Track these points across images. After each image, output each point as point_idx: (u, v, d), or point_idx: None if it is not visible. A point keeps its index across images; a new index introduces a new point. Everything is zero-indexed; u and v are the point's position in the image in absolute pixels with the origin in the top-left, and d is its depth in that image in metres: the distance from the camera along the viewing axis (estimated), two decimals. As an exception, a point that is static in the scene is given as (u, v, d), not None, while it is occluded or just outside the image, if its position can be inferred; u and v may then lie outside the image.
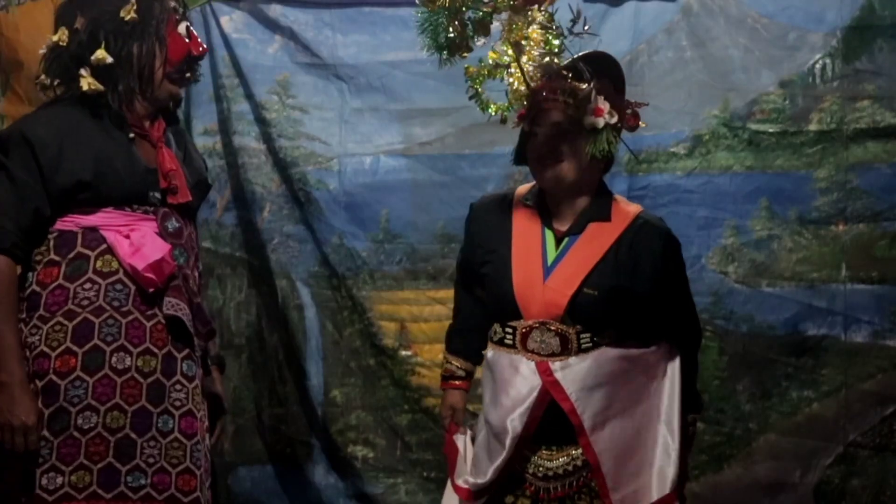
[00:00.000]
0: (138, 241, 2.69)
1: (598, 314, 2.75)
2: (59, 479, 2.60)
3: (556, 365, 2.75)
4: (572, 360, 2.75)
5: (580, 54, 2.84)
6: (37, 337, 2.66)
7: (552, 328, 2.75)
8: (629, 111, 2.84)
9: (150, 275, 2.66)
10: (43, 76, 2.78)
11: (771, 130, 4.14)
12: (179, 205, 2.78)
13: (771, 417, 4.12)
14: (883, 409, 4.09)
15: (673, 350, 2.89)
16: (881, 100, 4.10)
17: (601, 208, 2.82)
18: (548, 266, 2.77)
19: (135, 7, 2.72)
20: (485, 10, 2.88)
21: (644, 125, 2.89)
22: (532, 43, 2.89)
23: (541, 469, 2.80)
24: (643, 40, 4.18)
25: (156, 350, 2.69)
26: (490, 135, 4.04)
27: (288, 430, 4.25)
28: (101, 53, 2.69)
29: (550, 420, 2.76)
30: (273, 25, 4.21)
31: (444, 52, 2.91)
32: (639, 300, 2.78)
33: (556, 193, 2.82)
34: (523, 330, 2.78)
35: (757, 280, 4.12)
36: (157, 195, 2.76)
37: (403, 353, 4.16)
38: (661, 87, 4.16)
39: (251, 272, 4.26)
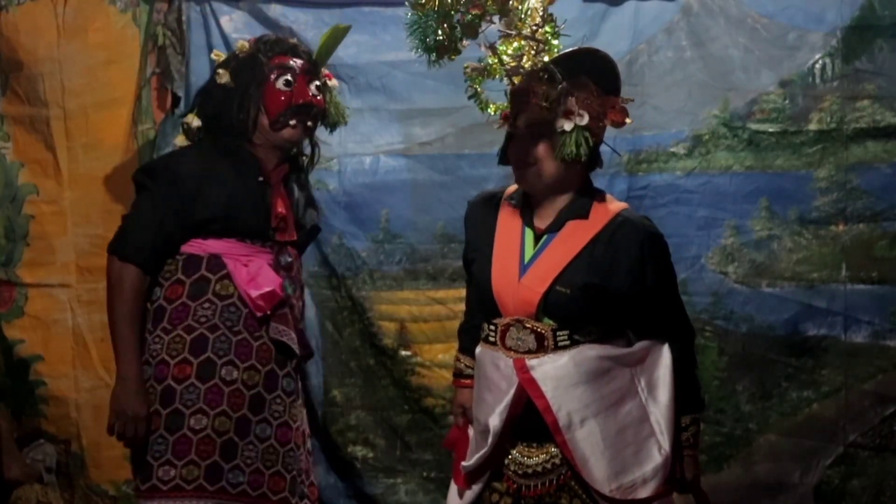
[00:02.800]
0: (255, 271, 3.09)
1: (571, 312, 2.76)
2: (172, 472, 3.01)
3: (532, 362, 2.76)
4: (548, 357, 2.76)
5: (564, 52, 2.84)
6: (159, 345, 3.09)
7: (528, 325, 2.77)
8: (613, 108, 2.82)
9: (261, 302, 3.07)
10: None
11: (771, 130, 4.14)
12: (290, 242, 3.19)
13: (771, 418, 4.12)
14: (883, 409, 4.09)
15: (662, 348, 2.88)
16: (881, 99, 4.09)
17: (580, 207, 2.82)
18: (524, 264, 2.79)
19: (227, 74, 3.21)
20: (473, 12, 2.89)
21: (630, 121, 2.88)
22: (531, 43, 2.90)
23: (521, 466, 2.82)
24: (643, 40, 4.17)
25: (260, 367, 3.10)
26: (490, 135, 3.99)
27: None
28: (190, 117, 3.25)
29: (529, 417, 2.77)
30: (273, 26, 4.20)
31: (432, 54, 2.93)
32: (615, 298, 2.77)
33: (533, 194, 2.84)
34: (502, 327, 2.81)
35: (757, 280, 4.12)
36: (274, 232, 3.17)
37: (403, 353, 4.15)
38: (660, 86, 4.16)
39: (251, 272, 4.25)
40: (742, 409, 4.13)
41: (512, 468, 2.83)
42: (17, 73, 4.12)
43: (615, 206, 2.88)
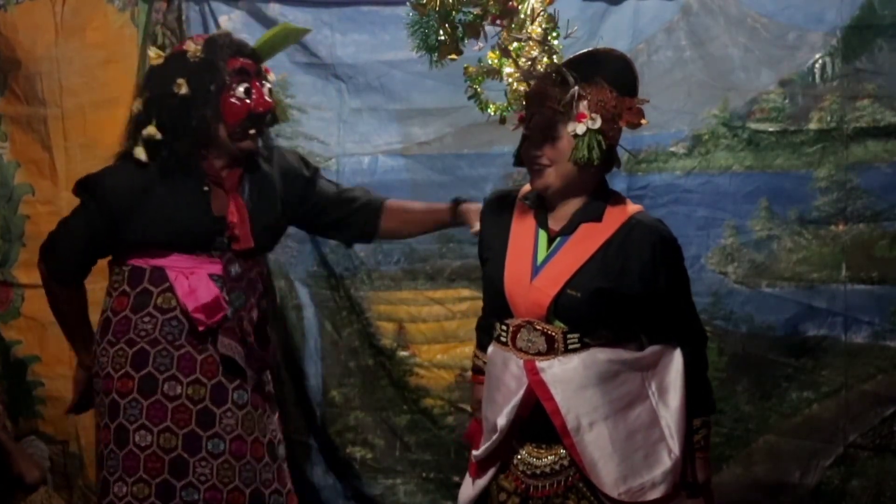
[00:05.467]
0: (195, 283, 3.03)
1: (581, 315, 2.74)
2: (125, 489, 3.00)
3: (542, 364, 2.75)
4: (558, 360, 2.75)
5: (581, 53, 2.83)
6: (105, 358, 3.09)
7: (538, 327, 2.76)
8: (630, 109, 2.81)
9: (199, 315, 3.01)
10: (128, 142, 3.17)
11: (771, 130, 4.13)
12: (241, 251, 3.10)
13: (770, 418, 4.11)
14: (883, 409, 4.09)
15: (674, 352, 2.87)
16: (881, 99, 4.09)
17: (594, 209, 2.81)
18: (537, 265, 2.78)
19: (186, 83, 3.05)
20: (475, 13, 2.88)
21: (646, 122, 2.87)
22: (531, 43, 2.89)
23: (530, 467, 2.81)
24: (642, 39, 4.17)
25: (205, 381, 3.05)
26: (489, 135, 4.03)
27: (286, 431, 4.21)
28: (150, 130, 3.07)
29: (537, 419, 2.76)
30: (271, 25, 4.18)
31: (434, 55, 2.93)
32: (626, 302, 2.76)
33: (547, 196, 2.83)
34: (514, 328, 2.80)
35: (756, 280, 4.11)
36: (226, 240, 3.09)
37: (402, 353, 4.15)
38: (660, 86, 4.14)
39: (250, 272, 4.25)
40: (742, 409, 4.12)
41: (521, 468, 2.83)
42: (16, 73, 4.11)
43: (630, 208, 2.87)
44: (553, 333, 2.75)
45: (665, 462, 2.79)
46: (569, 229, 2.79)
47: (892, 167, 4.09)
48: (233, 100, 3.07)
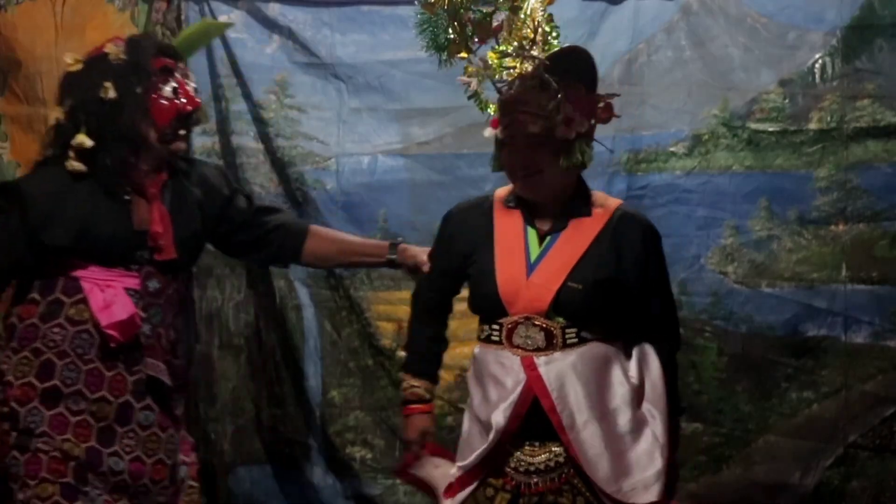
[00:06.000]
0: (110, 298, 2.90)
1: (582, 308, 2.78)
2: (28, 492, 2.88)
3: (540, 360, 2.77)
4: (557, 354, 2.78)
5: (551, 54, 2.83)
6: (6, 365, 2.94)
7: (537, 323, 2.78)
8: (601, 105, 2.86)
9: (112, 332, 2.88)
10: (49, 151, 3.02)
11: (771, 129, 4.13)
12: (168, 262, 2.98)
13: (770, 418, 4.11)
14: (883, 410, 4.08)
15: (653, 352, 2.90)
16: (881, 99, 4.09)
17: (581, 205, 2.86)
18: (531, 263, 2.81)
19: (112, 87, 2.91)
20: (484, 11, 2.88)
21: (618, 115, 2.90)
22: (531, 43, 2.90)
23: (522, 464, 2.82)
24: (642, 39, 4.17)
25: (111, 398, 2.93)
26: (489, 134, 4.04)
27: (286, 431, 4.24)
28: (80, 138, 2.91)
29: (535, 416, 2.78)
30: (271, 25, 4.20)
31: (444, 53, 2.92)
32: (623, 292, 2.82)
33: (538, 201, 2.86)
34: (509, 326, 2.81)
35: (756, 280, 4.11)
36: (146, 254, 2.96)
37: (402, 353, 4.10)
38: (660, 86, 4.15)
39: (249, 272, 4.24)
40: (741, 409, 4.12)
41: (513, 465, 2.83)
42: (16, 73, 4.11)
43: (611, 201, 2.93)
44: (552, 328, 2.78)
45: (658, 463, 2.81)
46: (559, 226, 2.83)
47: (893, 167, 4.08)
48: (162, 100, 2.97)
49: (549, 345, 2.78)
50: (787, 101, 4.12)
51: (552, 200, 2.84)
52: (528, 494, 2.82)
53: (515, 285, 2.80)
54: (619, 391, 2.82)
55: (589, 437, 2.76)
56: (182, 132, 3.01)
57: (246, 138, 4.18)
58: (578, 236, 2.82)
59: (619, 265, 2.81)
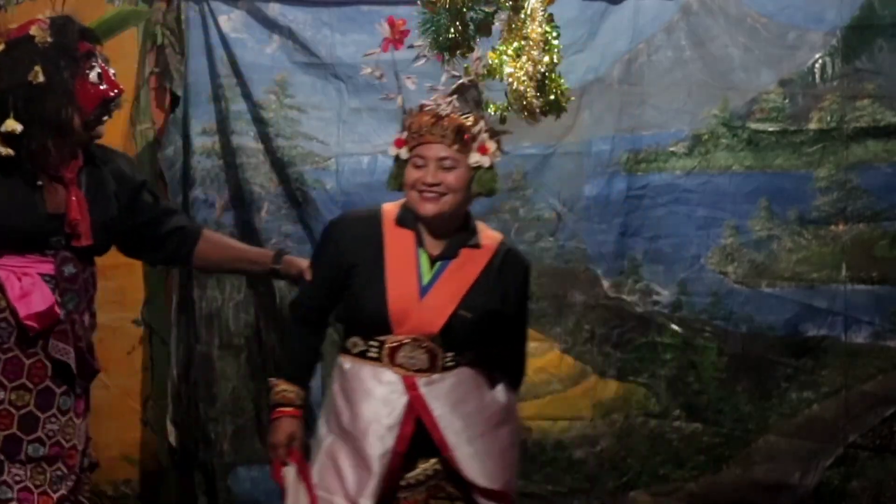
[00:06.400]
0: (28, 287, 2.83)
1: (468, 335, 2.86)
2: None
3: (421, 381, 2.83)
4: (436, 376, 2.84)
5: (458, 84, 2.86)
6: None
7: (424, 345, 2.84)
8: (497, 138, 2.92)
9: (31, 323, 2.81)
10: None
11: (771, 129, 4.13)
12: (83, 248, 2.90)
13: (770, 418, 4.12)
14: (883, 410, 4.09)
15: (504, 380, 3.00)
16: (881, 99, 4.10)
17: (471, 235, 2.92)
18: (423, 286, 2.86)
19: (41, 71, 2.81)
20: (486, 10, 2.88)
21: (506, 153, 2.94)
22: (531, 43, 2.90)
23: (403, 479, 2.86)
24: (642, 39, 4.17)
25: (31, 386, 2.86)
26: (487, 135, 4.03)
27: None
28: (10, 124, 2.80)
29: (416, 435, 2.84)
30: (271, 25, 4.19)
31: (446, 53, 2.92)
32: (502, 324, 2.93)
33: (433, 221, 2.88)
34: (393, 344, 2.84)
35: (756, 280, 4.12)
36: (62, 239, 2.88)
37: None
38: (660, 86, 4.15)
39: (250, 272, 4.24)
40: (741, 409, 4.12)
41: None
42: (15, 72, 4.09)
43: (495, 234, 3.01)
44: (436, 351, 2.84)
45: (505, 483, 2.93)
46: (450, 253, 2.88)
47: (892, 167, 4.10)
48: (88, 86, 2.89)
49: (432, 366, 2.84)
50: (787, 101, 4.13)
51: (445, 223, 2.88)
52: None
53: (407, 305, 2.83)
54: (496, 412, 2.93)
55: (471, 454, 2.85)
56: (105, 118, 2.95)
57: (246, 138, 4.17)
58: (469, 266, 2.88)
59: (504, 298, 2.91)
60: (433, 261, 2.88)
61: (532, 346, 4.13)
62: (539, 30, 2.92)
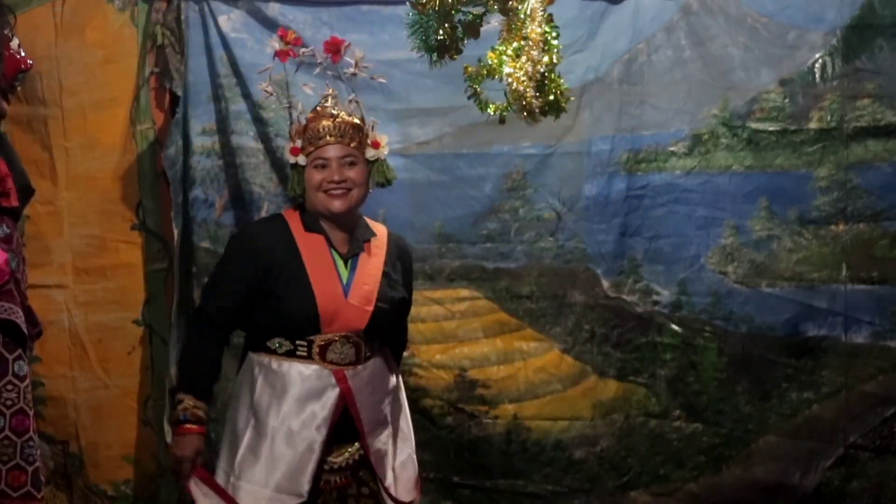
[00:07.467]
0: None
1: (385, 325, 3.08)
2: None
3: (349, 372, 3.01)
4: (360, 367, 3.04)
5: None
6: None
7: (352, 340, 3.02)
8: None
9: None
10: None
11: (771, 129, 4.13)
12: (7, 209, 2.84)
13: (770, 419, 4.12)
14: (883, 410, 4.10)
15: (393, 360, 3.25)
16: (881, 98, 4.10)
17: (367, 227, 3.13)
18: (344, 284, 3.02)
19: None
20: (474, 12, 2.88)
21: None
22: (531, 43, 2.90)
23: (326, 464, 3.03)
24: (642, 39, 4.17)
25: None
26: (488, 134, 4.03)
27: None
28: None
29: (340, 422, 3.01)
30: (271, 24, 4.18)
31: (434, 54, 2.93)
32: (407, 309, 3.23)
33: (343, 219, 3.05)
34: (322, 343, 2.99)
35: (756, 280, 4.12)
36: None
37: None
38: (660, 85, 4.15)
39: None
40: (741, 409, 4.12)
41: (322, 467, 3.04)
42: (15, 74, 4.10)
43: (379, 224, 3.22)
44: (361, 344, 3.03)
45: (415, 467, 3.21)
46: (357, 248, 3.07)
47: (893, 167, 4.10)
48: (12, 52, 2.87)
49: (358, 358, 3.03)
50: (787, 100, 4.13)
51: (352, 221, 3.07)
52: (328, 491, 3.04)
53: (335, 305, 2.98)
54: (394, 397, 3.18)
55: (379, 439, 3.09)
56: (16, 89, 2.95)
57: (246, 138, 4.16)
58: (374, 259, 3.08)
59: (405, 284, 3.17)
60: (345, 259, 3.06)
61: (532, 345, 4.17)
62: (538, 30, 2.92)
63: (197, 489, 3.00)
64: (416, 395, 4.13)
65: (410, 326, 4.12)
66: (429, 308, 4.14)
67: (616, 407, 4.15)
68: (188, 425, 3.00)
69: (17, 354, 2.80)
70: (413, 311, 4.15)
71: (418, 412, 4.14)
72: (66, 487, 4.07)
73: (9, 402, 2.78)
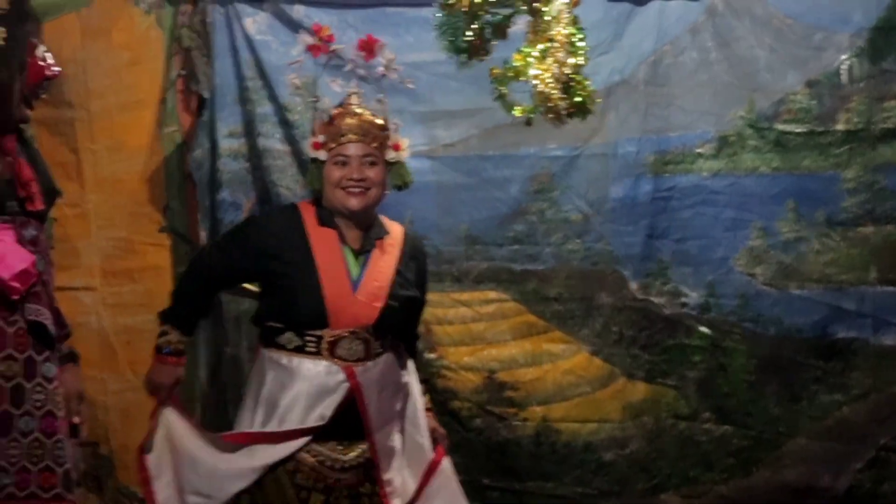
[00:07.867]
0: (2, 250, 2.75)
1: (395, 323, 3.07)
2: None
3: (359, 369, 3.01)
4: (370, 364, 3.03)
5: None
6: None
7: (361, 336, 3.02)
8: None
9: (15, 284, 2.73)
10: None
11: (798, 131, 4.12)
12: (33, 213, 2.85)
13: (800, 421, 4.11)
14: (914, 412, 4.08)
15: (407, 355, 3.21)
16: (908, 100, 4.09)
17: (381, 225, 3.13)
18: (353, 280, 3.02)
19: (3, 35, 2.75)
20: (502, 13, 2.89)
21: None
22: (557, 45, 2.90)
23: (337, 462, 3.02)
24: (668, 40, 4.17)
25: (17, 355, 2.77)
26: (514, 136, 4.04)
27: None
28: None
29: (346, 418, 3.00)
30: (296, 27, 4.19)
31: (463, 56, 2.93)
32: (419, 308, 3.21)
33: (359, 217, 3.05)
34: (331, 339, 3.00)
35: (785, 282, 4.11)
36: (15, 205, 2.82)
37: (429, 355, 4.12)
38: (686, 87, 4.15)
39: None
40: (771, 412, 4.11)
41: (327, 464, 3.02)
42: (41, 79, 4.11)
43: (395, 223, 3.19)
44: (371, 341, 3.03)
45: (426, 461, 3.14)
46: (370, 245, 3.07)
47: (920, 168, 4.08)
48: (36, 59, 2.85)
49: (367, 355, 3.02)
50: (814, 102, 4.12)
51: (368, 218, 3.07)
52: (339, 488, 3.03)
53: (343, 301, 2.99)
54: (401, 395, 3.14)
55: (385, 436, 3.06)
56: (35, 99, 2.91)
57: (272, 140, 4.17)
58: (387, 257, 3.07)
59: (418, 283, 3.15)
60: (356, 255, 3.05)
61: (560, 348, 4.17)
62: (564, 32, 2.93)
63: (166, 417, 3.08)
64: (445, 398, 4.14)
65: (438, 329, 4.16)
66: (456, 310, 4.15)
67: (645, 409, 4.15)
68: (171, 357, 3.09)
69: (45, 356, 2.80)
70: (440, 312, 4.21)
71: (447, 414, 4.14)
72: (96, 489, 4.09)
73: (38, 405, 2.78)
